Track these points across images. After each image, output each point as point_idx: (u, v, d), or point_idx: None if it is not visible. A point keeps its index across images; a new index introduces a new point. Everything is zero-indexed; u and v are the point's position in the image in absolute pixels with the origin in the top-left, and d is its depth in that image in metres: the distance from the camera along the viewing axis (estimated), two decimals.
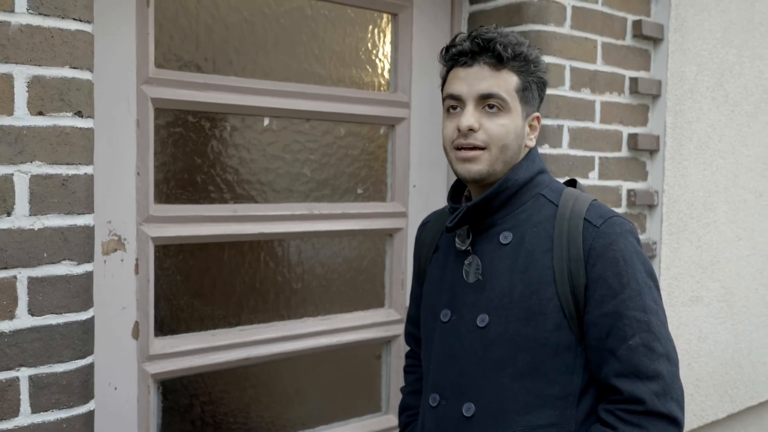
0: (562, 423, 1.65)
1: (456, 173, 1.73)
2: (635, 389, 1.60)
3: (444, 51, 1.76)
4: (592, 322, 1.64)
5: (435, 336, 1.79)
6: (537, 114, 1.78)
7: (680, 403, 1.62)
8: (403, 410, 2.03)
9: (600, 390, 1.67)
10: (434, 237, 1.93)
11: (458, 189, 1.85)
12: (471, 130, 1.67)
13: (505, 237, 1.73)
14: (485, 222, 1.75)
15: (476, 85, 1.68)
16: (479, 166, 1.69)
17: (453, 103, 1.71)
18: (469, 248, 1.76)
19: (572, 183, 1.85)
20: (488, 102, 1.68)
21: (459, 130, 1.68)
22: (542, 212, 1.72)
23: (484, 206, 1.72)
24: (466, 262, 1.75)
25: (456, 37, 1.76)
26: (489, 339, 1.71)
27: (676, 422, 1.61)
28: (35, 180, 1.61)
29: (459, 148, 1.70)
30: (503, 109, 1.69)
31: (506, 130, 1.70)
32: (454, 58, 1.73)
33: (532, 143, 1.78)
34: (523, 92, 1.73)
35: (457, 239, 1.79)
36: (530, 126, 1.76)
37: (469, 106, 1.68)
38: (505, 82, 1.70)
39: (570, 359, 1.66)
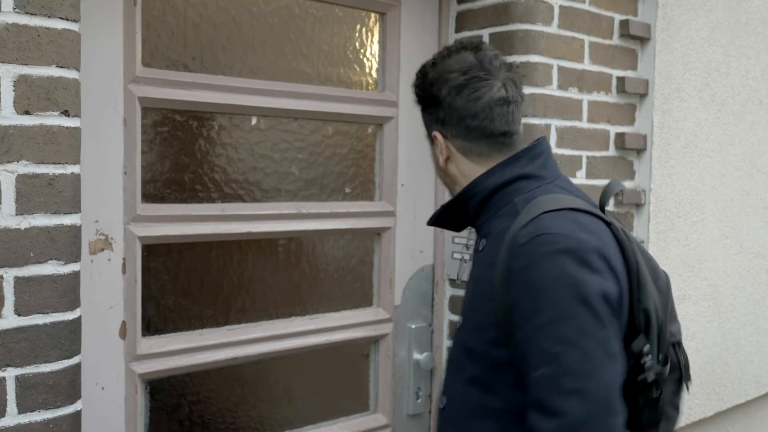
0: None
1: None
2: (536, 423, 1.51)
3: None
4: (513, 346, 1.58)
5: None
6: (434, 132, 1.82)
7: None
8: None
9: None
10: None
11: None
12: None
13: (482, 243, 1.75)
14: (475, 226, 1.79)
15: None
16: None
17: None
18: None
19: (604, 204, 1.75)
20: None
21: None
22: (505, 222, 1.67)
23: (452, 210, 1.82)
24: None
25: None
26: (455, 343, 1.78)
27: None
28: (22, 179, 1.60)
29: None
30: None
31: (433, 158, 1.86)
32: None
33: (441, 160, 1.81)
34: (422, 119, 1.86)
35: None
36: (438, 146, 1.82)
37: None
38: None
39: (512, 376, 1.58)
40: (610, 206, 2.91)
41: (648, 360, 1.58)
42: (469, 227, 1.87)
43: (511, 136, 1.76)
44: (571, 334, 1.49)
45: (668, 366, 1.62)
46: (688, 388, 1.69)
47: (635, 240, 1.70)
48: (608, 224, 1.65)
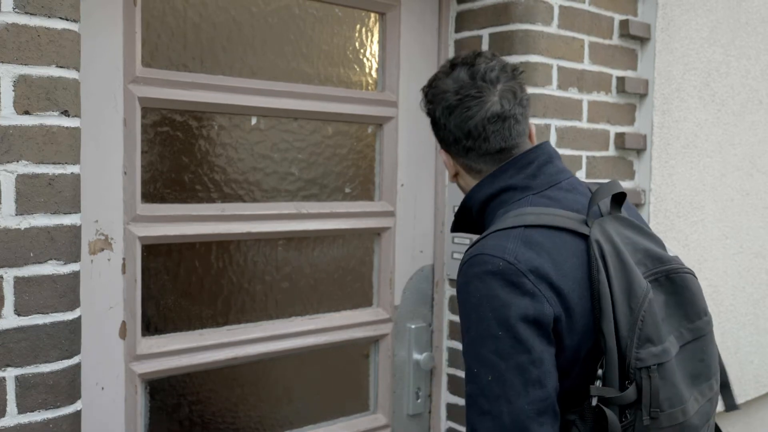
0: None
1: None
2: None
3: None
4: None
5: None
6: (440, 149, 1.84)
7: None
8: None
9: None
10: None
11: None
12: None
13: None
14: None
15: None
16: None
17: None
18: None
19: (619, 196, 1.68)
20: None
21: None
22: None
23: (459, 219, 1.85)
24: None
25: None
26: None
27: None
28: (21, 179, 1.60)
29: None
30: None
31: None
32: None
33: (450, 176, 1.86)
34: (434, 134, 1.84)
35: None
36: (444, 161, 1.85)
37: None
38: None
39: None
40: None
41: (597, 384, 1.53)
42: None
43: (509, 151, 1.73)
44: (490, 356, 1.50)
45: (630, 392, 1.50)
46: (641, 419, 1.51)
47: (627, 248, 1.60)
48: (585, 237, 1.59)
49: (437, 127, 1.78)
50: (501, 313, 1.50)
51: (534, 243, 1.56)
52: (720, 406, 1.93)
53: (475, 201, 1.76)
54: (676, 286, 1.62)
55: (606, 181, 1.76)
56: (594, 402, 1.52)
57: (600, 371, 1.52)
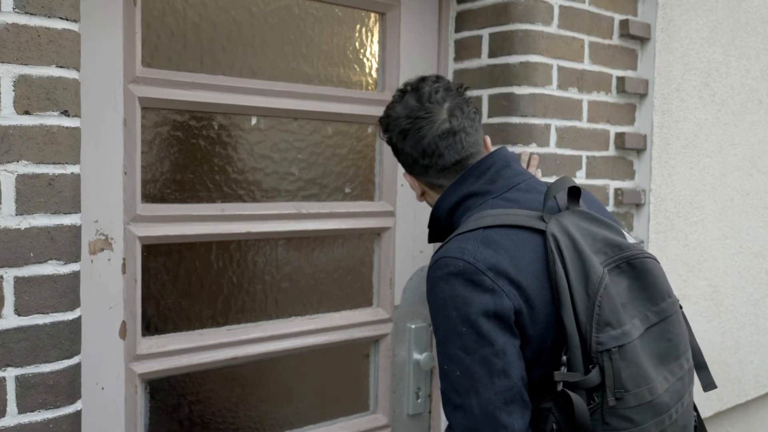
0: None
1: None
2: (446, 429, 1.66)
3: None
4: None
5: None
6: (404, 173, 1.95)
7: None
8: None
9: None
10: None
11: None
12: None
13: None
14: None
15: None
16: None
17: None
18: None
19: (574, 190, 1.74)
20: None
21: None
22: None
23: (432, 230, 1.93)
24: None
25: None
26: None
27: None
28: (22, 179, 1.60)
29: None
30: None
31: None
32: None
33: (417, 195, 1.96)
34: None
35: None
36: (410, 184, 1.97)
37: None
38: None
39: None
40: (611, 207, 2.91)
41: (561, 370, 1.59)
42: None
43: (465, 161, 1.83)
44: (456, 353, 1.59)
45: (593, 375, 1.56)
46: (607, 401, 1.56)
47: (581, 240, 1.64)
48: (542, 233, 1.65)
49: (396, 152, 1.89)
50: (463, 310, 1.59)
51: (492, 242, 1.65)
52: (718, 408, 1.95)
53: (441, 211, 1.86)
54: (638, 270, 1.67)
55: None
56: (559, 387, 1.58)
57: (564, 357, 1.59)
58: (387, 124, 1.88)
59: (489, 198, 1.77)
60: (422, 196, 1.95)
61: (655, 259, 1.72)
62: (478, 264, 1.61)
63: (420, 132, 1.80)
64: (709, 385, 1.84)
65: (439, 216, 1.87)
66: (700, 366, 1.83)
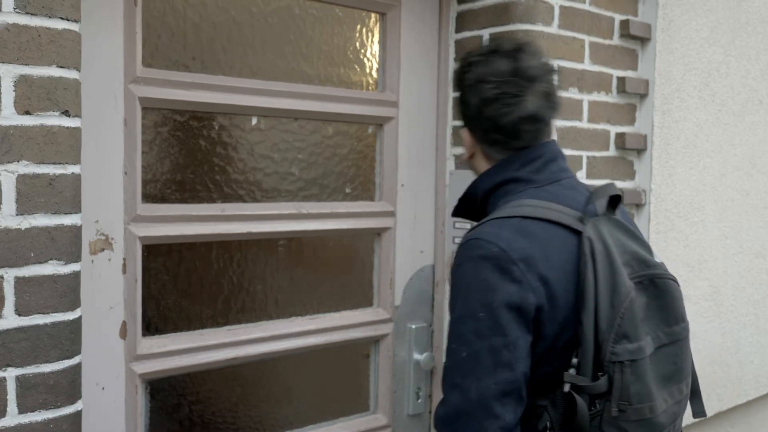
0: None
1: None
2: (437, 406, 1.65)
3: None
4: None
5: None
6: (462, 129, 1.88)
7: None
8: None
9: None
10: None
11: None
12: None
13: None
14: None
15: None
16: None
17: None
18: None
19: (615, 199, 1.75)
20: None
21: None
22: None
23: (461, 205, 1.91)
24: None
25: None
26: None
27: None
28: (22, 179, 1.60)
29: None
30: None
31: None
32: None
33: (465, 155, 1.90)
34: (459, 108, 1.89)
35: None
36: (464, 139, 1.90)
37: None
38: None
39: None
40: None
41: (571, 372, 1.60)
42: None
43: (532, 148, 1.80)
44: (468, 335, 1.59)
45: (602, 383, 1.57)
46: (609, 410, 1.58)
47: (617, 248, 1.65)
48: (578, 233, 1.65)
49: (468, 107, 1.82)
50: (487, 296, 1.58)
51: (528, 233, 1.64)
52: (719, 409, 1.96)
53: (480, 189, 1.83)
54: (659, 290, 1.68)
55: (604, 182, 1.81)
56: (566, 388, 1.60)
57: (575, 360, 1.60)
58: (473, 81, 1.79)
59: (530, 187, 1.75)
60: (470, 158, 1.89)
61: (677, 282, 1.73)
62: (511, 252, 1.60)
63: (506, 107, 1.74)
64: (699, 413, 1.86)
65: (475, 193, 1.85)
66: (695, 393, 1.85)
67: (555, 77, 1.81)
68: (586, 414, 1.58)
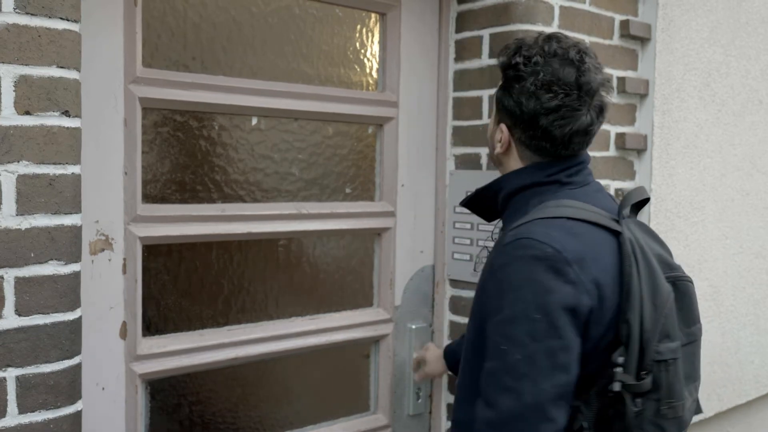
0: None
1: None
2: (477, 411, 1.61)
3: None
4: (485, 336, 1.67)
5: None
6: (502, 125, 1.83)
7: None
8: None
9: None
10: None
11: None
12: None
13: (500, 236, 1.81)
14: (502, 218, 1.88)
15: None
16: None
17: None
18: None
19: (642, 204, 1.79)
20: None
21: None
22: (519, 220, 1.74)
23: (484, 197, 1.88)
24: None
25: None
26: (467, 330, 1.85)
27: None
28: (22, 179, 1.60)
29: None
30: (490, 112, 1.87)
31: (486, 130, 1.88)
32: None
33: (497, 150, 1.84)
34: (496, 95, 1.85)
35: None
36: (500, 136, 1.84)
37: None
38: (496, 87, 1.86)
39: None
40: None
41: (618, 371, 1.60)
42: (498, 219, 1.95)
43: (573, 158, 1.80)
44: (521, 336, 1.55)
45: (647, 382, 1.60)
46: (660, 411, 1.62)
47: (651, 251, 1.68)
48: (618, 234, 1.67)
49: (520, 110, 1.76)
50: (542, 297, 1.55)
51: (577, 235, 1.63)
52: (719, 409, 1.98)
53: (510, 184, 1.80)
54: (680, 292, 1.71)
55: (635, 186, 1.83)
56: (617, 387, 1.59)
57: (621, 359, 1.59)
58: (536, 86, 1.72)
59: (565, 189, 1.75)
60: (504, 153, 1.84)
61: (693, 284, 1.77)
62: (565, 253, 1.58)
63: (564, 120, 1.71)
64: (697, 410, 1.88)
65: (500, 188, 1.83)
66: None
67: (611, 90, 1.80)
68: (633, 413, 1.59)
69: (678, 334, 1.65)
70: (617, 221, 1.69)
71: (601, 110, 1.76)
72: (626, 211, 1.73)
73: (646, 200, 1.77)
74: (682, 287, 1.72)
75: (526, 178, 1.78)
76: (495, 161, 1.91)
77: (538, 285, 1.56)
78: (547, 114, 1.71)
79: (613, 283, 1.62)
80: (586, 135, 1.75)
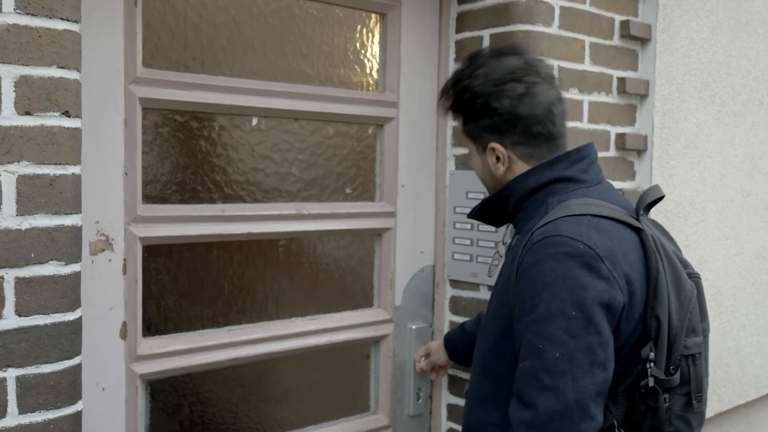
0: (507, 425, 1.66)
1: None
2: (512, 412, 1.59)
3: None
4: (514, 336, 1.66)
5: None
6: (491, 144, 1.82)
7: None
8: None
9: None
10: None
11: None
12: None
13: (514, 240, 1.82)
14: (513, 222, 1.87)
15: None
16: None
17: None
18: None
19: (656, 202, 1.79)
20: None
21: None
22: (536, 221, 1.73)
23: (492, 205, 1.88)
24: None
25: None
26: (480, 334, 1.85)
27: None
28: (22, 180, 1.60)
29: None
30: (468, 152, 1.91)
31: (475, 169, 1.92)
32: None
33: (498, 172, 1.84)
34: (467, 130, 1.87)
35: None
36: (495, 156, 1.84)
37: None
38: (461, 127, 1.89)
39: (515, 366, 1.65)
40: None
41: (651, 366, 1.60)
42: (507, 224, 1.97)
43: (562, 139, 1.82)
44: (559, 334, 1.54)
45: (677, 377, 1.61)
46: (692, 405, 1.64)
47: (669, 248, 1.70)
48: (639, 231, 1.68)
49: (496, 117, 1.78)
50: (578, 294, 1.54)
51: (605, 231, 1.63)
52: (719, 409, 1.99)
53: (520, 187, 1.80)
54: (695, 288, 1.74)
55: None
56: (651, 383, 1.59)
57: (652, 354, 1.60)
58: (490, 88, 1.77)
59: (581, 187, 1.76)
60: (505, 171, 1.83)
61: (701, 280, 1.79)
62: (598, 249, 1.58)
63: (537, 97, 1.75)
64: None
65: (510, 192, 1.82)
66: None
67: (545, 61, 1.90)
68: (664, 408, 1.60)
69: (701, 329, 1.67)
70: (636, 218, 1.71)
71: (552, 78, 1.82)
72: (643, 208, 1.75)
73: (659, 199, 1.78)
74: (696, 283, 1.74)
75: (538, 177, 1.78)
76: (493, 182, 1.90)
77: (573, 281, 1.55)
78: (521, 99, 1.75)
79: (641, 279, 1.62)
80: (561, 104, 1.81)
